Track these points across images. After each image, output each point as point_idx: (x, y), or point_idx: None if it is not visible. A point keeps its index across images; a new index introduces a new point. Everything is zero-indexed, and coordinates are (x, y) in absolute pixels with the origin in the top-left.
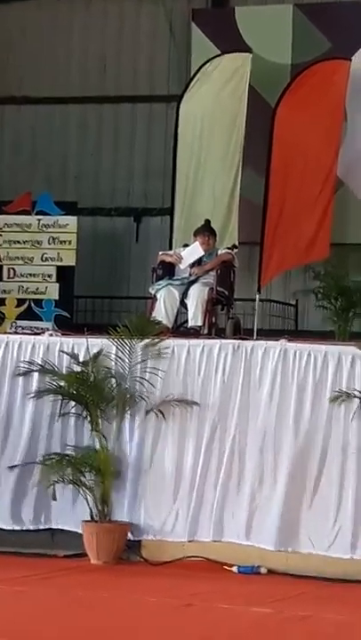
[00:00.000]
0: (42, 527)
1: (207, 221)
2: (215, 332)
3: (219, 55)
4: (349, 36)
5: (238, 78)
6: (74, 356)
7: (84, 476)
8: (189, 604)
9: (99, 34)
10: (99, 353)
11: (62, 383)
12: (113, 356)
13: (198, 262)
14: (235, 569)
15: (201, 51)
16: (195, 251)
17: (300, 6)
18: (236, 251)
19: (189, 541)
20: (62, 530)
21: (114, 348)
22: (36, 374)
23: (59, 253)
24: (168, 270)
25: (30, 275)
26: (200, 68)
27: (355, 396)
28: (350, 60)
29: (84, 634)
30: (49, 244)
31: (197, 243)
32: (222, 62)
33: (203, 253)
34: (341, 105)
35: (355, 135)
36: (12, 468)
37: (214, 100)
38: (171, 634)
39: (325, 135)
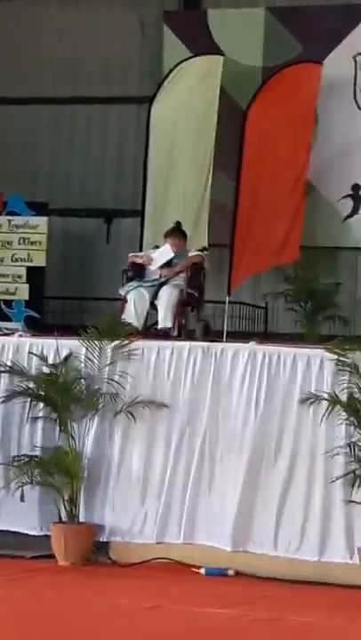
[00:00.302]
0: (10, 529)
1: (178, 223)
2: (185, 333)
3: (191, 57)
4: (321, 41)
5: (210, 81)
6: (43, 358)
7: (53, 478)
8: (157, 605)
9: (71, 35)
10: (69, 355)
11: (31, 385)
12: (83, 358)
13: (168, 264)
14: (202, 571)
15: (173, 52)
16: (165, 252)
17: (271, 10)
18: (206, 253)
19: (158, 543)
20: None
21: (83, 349)
22: (5, 376)
23: (29, 254)
24: (138, 272)
25: (0, 275)
26: (172, 69)
27: (323, 399)
28: (321, 65)
29: (50, 635)
30: (19, 244)
31: (168, 245)
32: (194, 64)
33: (173, 255)
34: (312, 108)
35: (326, 139)
36: None
37: (186, 102)
38: (138, 635)
39: (296, 138)
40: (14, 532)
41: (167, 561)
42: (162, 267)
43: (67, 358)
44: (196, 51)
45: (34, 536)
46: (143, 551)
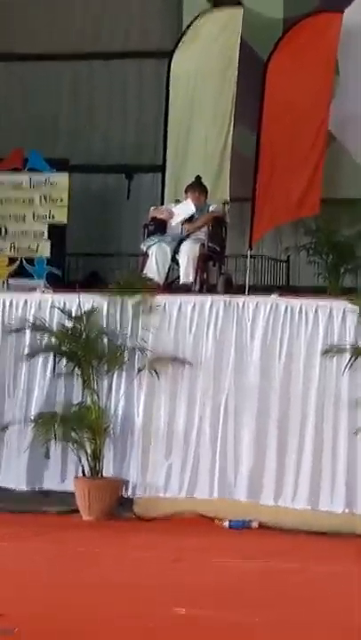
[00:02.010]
0: (35, 488)
1: (198, 177)
2: (207, 288)
3: (210, 9)
4: None
5: (230, 33)
6: (66, 312)
7: (76, 434)
8: (180, 558)
9: None
10: (92, 310)
11: (54, 340)
12: (105, 313)
13: (190, 219)
14: (226, 524)
15: (192, 5)
16: (186, 207)
17: None
18: (227, 207)
19: (187, 497)
20: None
21: (105, 305)
22: (28, 332)
23: (50, 211)
24: (160, 227)
25: (22, 233)
26: (191, 22)
27: (346, 350)
28: (342, 13)
29: (73, 588)
30: (40, 202)
31: (189, 199)
32: (214, 17)
33: (194, 210)
34: (333, 58)
35: (347, 89)
36: (3, 428)
37: (206, 55)
38: (160, 588)
39: (317, 89)
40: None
41: (191, 515)
42: (183, 221)
43: (90, 313)
44: (215, 3)
45: (59, 491)
46: (167, 506)
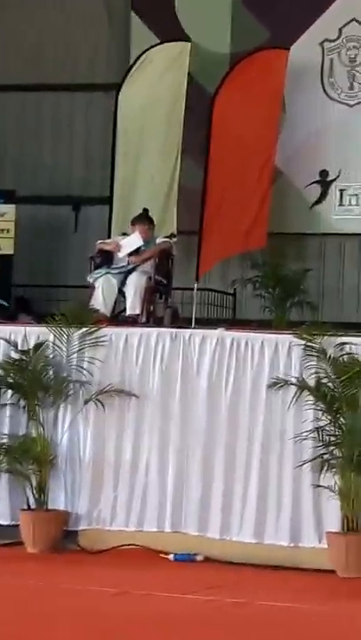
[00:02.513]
0: None
1: (145, 210)
2: (153, 320)
3: (158, 44)
4: (288, 26)
5: (177, 67)
6: (13, 344)
7: (21, 465)
8: (124, 591)
9: (37, 21)
10: (40, 343)
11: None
12: (51, 345)
13: (137, 251)
14: (171, 557)
15: (140, 39)
16: (134, 240)
17: None
18: (174, 239)
19: (135, 530)
20: None
21: (51, 336)
22: None
23: None
24: (106, 259)
25: None
26: (140, 56)
27: (292, 384)
28: (289, 50)
29: (15, 621)
30: None
31: (137, 232)
32: (162, 51)
33: (142, 243)
34: (279, 94)
35: (294, 125)
36: None
37: (153, 89)
38: (104, 621)
39: (264, 124)
40: None
41: (136, 547)
42: (130, 254)
43: (38, 346)
44: (163, 37)
45: (3, 525)
46: (112, 538)
